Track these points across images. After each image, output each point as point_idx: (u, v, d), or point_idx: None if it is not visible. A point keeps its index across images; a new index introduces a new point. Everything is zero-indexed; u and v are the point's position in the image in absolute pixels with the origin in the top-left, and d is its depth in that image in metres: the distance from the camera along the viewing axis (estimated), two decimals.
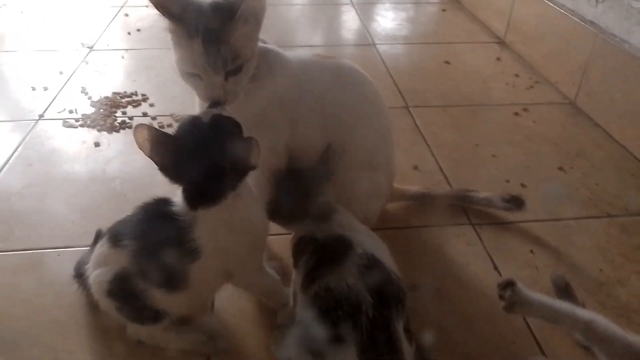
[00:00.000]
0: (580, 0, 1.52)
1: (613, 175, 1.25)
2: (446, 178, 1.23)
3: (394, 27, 2.13)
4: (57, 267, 0.97)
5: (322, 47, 1.97)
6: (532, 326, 0.86)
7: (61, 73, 1.65)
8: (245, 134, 0.72)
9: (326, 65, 0.93)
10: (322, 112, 0.89)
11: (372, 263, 0.70)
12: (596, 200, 1.16)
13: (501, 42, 1.96)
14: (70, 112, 1.45)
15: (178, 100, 1.48)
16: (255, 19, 0.78)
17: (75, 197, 1.14)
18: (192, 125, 0.72)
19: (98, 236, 0.87)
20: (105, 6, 2.21)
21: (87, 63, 1.74)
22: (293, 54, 0.91)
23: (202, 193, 0.71)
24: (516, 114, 1.50)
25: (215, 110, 0.74)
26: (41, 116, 1.43)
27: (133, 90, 1.55)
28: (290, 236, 0.84)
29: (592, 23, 1.48)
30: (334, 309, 0.65)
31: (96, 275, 0.77)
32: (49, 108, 1.47)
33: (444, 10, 2.30)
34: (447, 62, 1.81)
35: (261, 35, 0.82)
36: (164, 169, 0.71)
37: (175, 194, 0.75)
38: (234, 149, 0.70)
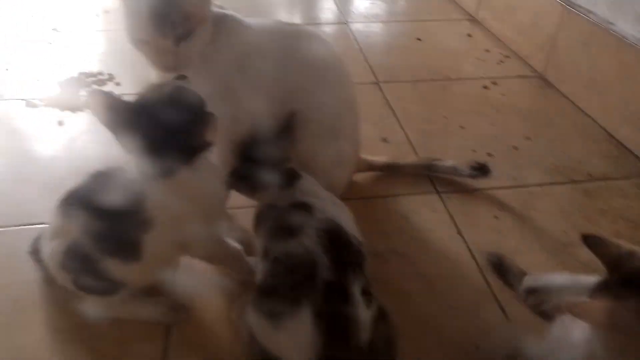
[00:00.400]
0: None
1: (578, 143, 1.26)
2: (414, 149, 1.23)
3: (367, 5, 2.11)
4: (17, 244, 0.95)
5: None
6: (494, 287, 0.87)
7: (24, 54, 1.61)
8: (206, 103, 0.71)
9: (288, 31, 0.92)
10: (284, 79, 0.88)
11: (331, 228, 0.70)
12: (561, 167, 1.18)
13: (472, 19, 1.96)
14: (33, 92, 1.41)
15: (145, 80, 1.45)
16: None
17: (37, 175, 1.12)
18: (150, 95, 0.71)
19: None
20: None
21: (51, 44, 1.69)
22: (253, 19, 0.90)
23: (155, 164, 0.70)
24: (485, 87, 1.51)
25: (178, 82, 0.72)
26: (1, 96, 1.40)
27: (99, 70, 1.52)
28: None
29: None
30: (291, 272, 0.65)
31: (50, 248, 0.76)
32: (10, 88, 1.43)
33: None
34: (419, 39, 1.80)
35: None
36: (118, 136, 0.69)
37: (130, 163, 0.73)
38: (191, 123, 0.69)
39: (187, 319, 0.80)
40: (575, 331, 0.63)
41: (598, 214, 1.04)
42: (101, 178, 0.74)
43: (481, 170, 1.08)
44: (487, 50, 1.73)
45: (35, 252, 0.84)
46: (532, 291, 0.81)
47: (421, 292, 0.86)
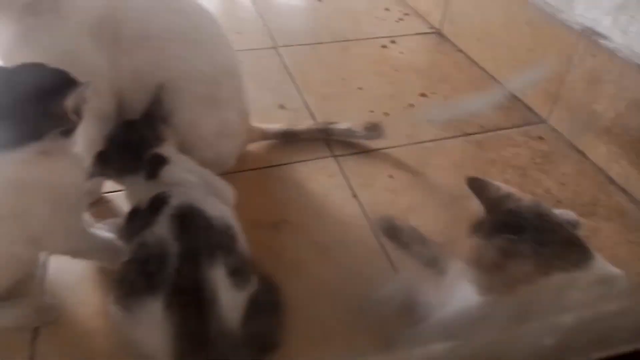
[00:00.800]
0: None
1: (472, 96, 1.28)
2: (312, 114, 1.20)
3: None
4: None
5: None
6: (387, 247, 0.87)
7: None
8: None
9: None
10: (147, 45, 0.80)
11: (185, 213, 0.64)
12: (455, 120, 1.19)
13: None
14: None
15: None
16: None
17: None
18: None
19: None
20: None
21: None
22: None
23: None
24: (384, 46, 1.49)
25: None
26: None
27: None
28: None
29: None
30: (145, 262, 0.60)
31: None
32: None
33: None
34: (319, 0, 1.75)
35: None
36: None
37: None
38: (43, 89, 0.60)
39: (57, 320, 0.72)
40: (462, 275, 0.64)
41: (489, 164, 1.07)
42: None
43: (375, 130, 1.06)
44: (387, 9, 1.71)
45: None
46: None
47: (315, 260, 0.84)
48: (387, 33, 1.56)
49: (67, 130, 0.64)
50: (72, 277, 0.78)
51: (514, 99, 1.28)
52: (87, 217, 0.79)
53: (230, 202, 0.76)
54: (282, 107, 1.22)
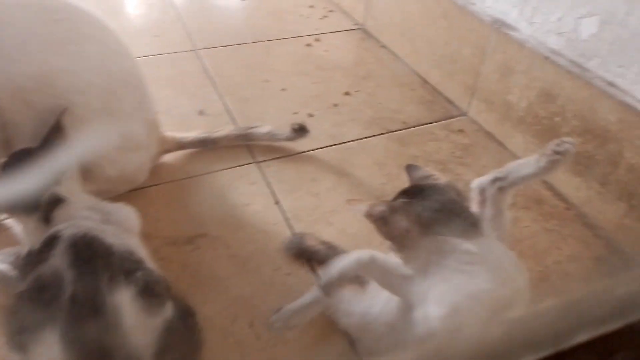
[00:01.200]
0: None
1: (395, 92, 1.28)
2: (234, 119, 1.15)
3: None
4: None
5: None
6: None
7: None
8: None
9: (27, 1, 0.76)
10: (27, 59, 0.73)
11: (81, 242, 0.59)
12: (378, 118, 1.18)
13: None
14: None
15: None
16: None
17: None
18: None
19: None
20: None
21: None
22: None
23: None
24: (308, 45, 1.46)
25: None
26: None
27: None
28: None
29: None
30: (39, 292, 0.55)
31: None
32: None
33: None
34: None
35: None
36: None
37: None
38: None
39: None
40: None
41: (411, 160, 1.04)
42: None
43: (298, 132, 1.04)
44: (312, 6, 1.68)
45: None
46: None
47: (234, 275, 0.80)
48: (311, 31, 1.54)
49: None
50: None
51: (436, 92, 1.29)
52: None
53: (135, 228, 0.71)
54: (201, 113, 1.17)
